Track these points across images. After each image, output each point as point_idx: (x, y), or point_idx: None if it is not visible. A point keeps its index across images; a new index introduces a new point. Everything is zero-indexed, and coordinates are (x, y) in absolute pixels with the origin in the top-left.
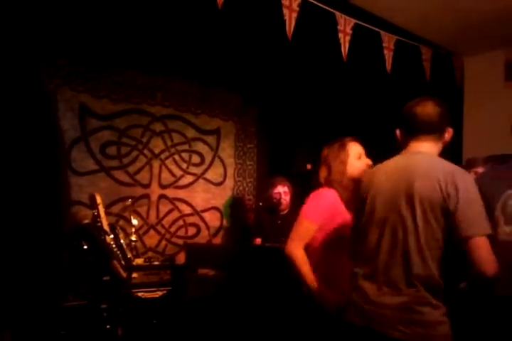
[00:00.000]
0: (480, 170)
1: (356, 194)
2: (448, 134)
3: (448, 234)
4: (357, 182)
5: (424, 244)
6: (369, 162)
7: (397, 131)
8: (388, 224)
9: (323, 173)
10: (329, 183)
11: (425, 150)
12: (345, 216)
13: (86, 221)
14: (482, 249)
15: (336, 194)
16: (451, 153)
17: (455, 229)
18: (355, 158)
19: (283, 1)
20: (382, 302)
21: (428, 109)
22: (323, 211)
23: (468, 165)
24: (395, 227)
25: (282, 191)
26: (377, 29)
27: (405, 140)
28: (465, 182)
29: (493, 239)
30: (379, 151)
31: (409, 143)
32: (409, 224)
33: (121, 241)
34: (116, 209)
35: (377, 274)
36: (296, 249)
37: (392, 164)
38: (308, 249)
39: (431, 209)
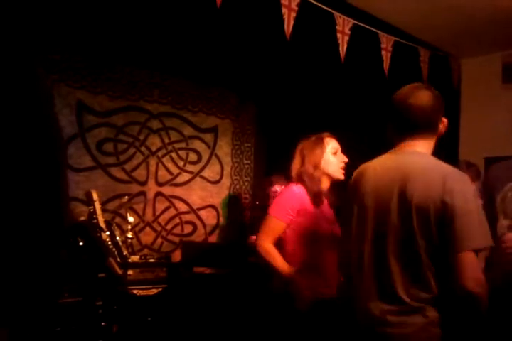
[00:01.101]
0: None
1: (345, 196)
2: (442, 125)
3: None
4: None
5: (405, 254)
6: (345, 159)
7: (388, 126)
8: (377, 232)
9: (295, 166)
10: (300, 176)
11: (419, 149)
12: (311, 210)
13: (82, 218)
14: (467, 265)
15: (303, 190)
16: (447, 155)
17: (445, 241)
18: (330, 153)
19: (282, 1)
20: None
21: (422, 101)
22: (291, 209)
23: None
24: (384, 234)
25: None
26: (375, 30)
27: (396, 135)
28: (462, 190)
29: (495, 248)
30: (378, 151)
31: (400, 139)
32: (398, 231)
33: (117, 238)
34: (112, 206)
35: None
36: (265, 243)
37: (383, 163)
38: (282, 244)
39: (422, 217)
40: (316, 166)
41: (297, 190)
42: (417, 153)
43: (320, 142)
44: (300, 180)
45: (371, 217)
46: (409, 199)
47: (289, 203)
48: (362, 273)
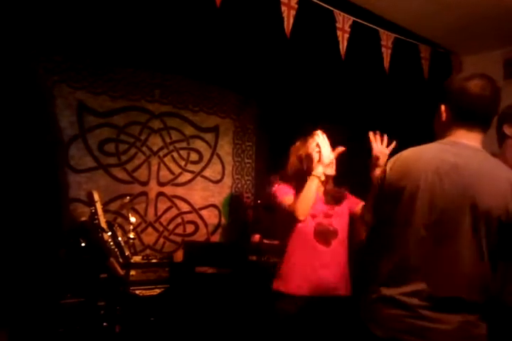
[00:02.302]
0: None
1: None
2: None
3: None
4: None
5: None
6: (331, 155)
7: (443, 108)
8: (440, 231)
9: (283, 169)
10: (285, 177)
11: (476, 145)
12: None
13: (83, 218)
14: None
15: (289, 189)
16: None
17: (506, 249)
18: (314, 150)
19: None
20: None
21: (488, 92)
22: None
23: None
24: (446, 235)
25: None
26: (375, 27)
27: (450, 122)
28: None
29: None
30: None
31: (454, 129)
32: (465, 235)
33: (119, 238)
34: (114, 206)
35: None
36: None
37: (440, 155)
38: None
39: (488, 223)
40: (298, 168)
41: (279, 186)
42: (478, 151)
43: (303, 143)
44: (286, 181)
45: (426, 212)
46: (478, 204)
47: (282, 192)
48: (406, 265)
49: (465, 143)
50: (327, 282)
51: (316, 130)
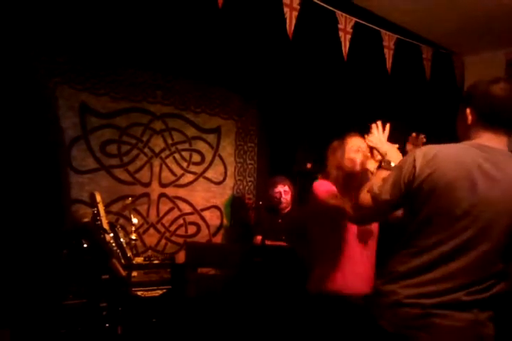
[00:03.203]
0: None
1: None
2: None
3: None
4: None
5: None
6: (368, 155)
7: (468, 111)
8: (469, 233)
9: (323, 169)
10: (325, 177)
11: (504, 148)
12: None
13: (86, 219)
14: None
15: (329, 183)
16: None
17: None
18: (352, 151)
19: (284, 0)
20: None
21: None
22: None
23: None
24: (476, 238)
25: (283, 190)
26: (377, 28)
27: (475, 126)
28: None
29: None
30: None
31: (480, 132)
32: (496, 239)
33: (121, 239)
34: (116, 207)
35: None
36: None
37: (473, 159)
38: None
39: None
40: (338, 167)
41: (326, 183)
42: (508, 155)
43: (341, 143)
44: (327, 179)
45: (458, 214)
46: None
47: (325, 191)
48: (424, 264)
49: (493, 147)
50: (365, 281)
51: (352, 132)
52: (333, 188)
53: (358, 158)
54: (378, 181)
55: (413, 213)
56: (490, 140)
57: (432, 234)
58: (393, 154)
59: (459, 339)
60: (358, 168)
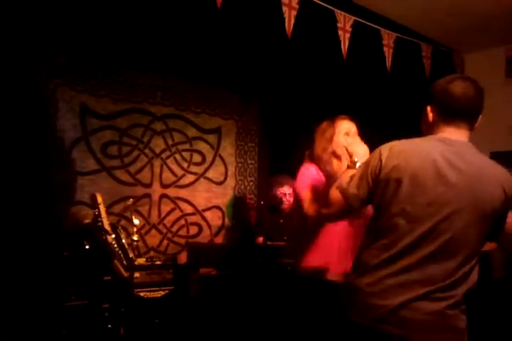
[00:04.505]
0: None
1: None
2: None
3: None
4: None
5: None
6: (358, 140)
7: (429, 109)
8: (435, 223)
9: (308, 149)
10: (311, 158)
11: (465, 140)
12: (322, 188)
13: (87, 220)
14: None
15: (316, 168)
16: None
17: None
18: (342, 134)
19: None
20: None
21: (470, 91)
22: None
23: None
24: (444, 227)
25: (288, 192)
26: (376, 26)
27: (437, 121)
28: None
29: None
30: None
31: (441, 127)
32: (465, 226)
33: (123, 240)
34: (117, 208)
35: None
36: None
37: (437, 151)
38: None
39: (486, 215)
40: (324, 149)
41: (312, 169)
42: (469, 146)
43: (331, 125)
44: (313, 161)
45: (423, 204)
46: (478, 198)
47: (309, 180)
48: (395, 256)
49: (455, 139)
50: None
51: (342, 115)
52: (315, 175)
53: (346, 143)
54: (346, 178)
55: (381, 207)
56: (452, 133)
57: (401, 225)
58: (360, 153)
59: (430, 332)
60: (343, 153)
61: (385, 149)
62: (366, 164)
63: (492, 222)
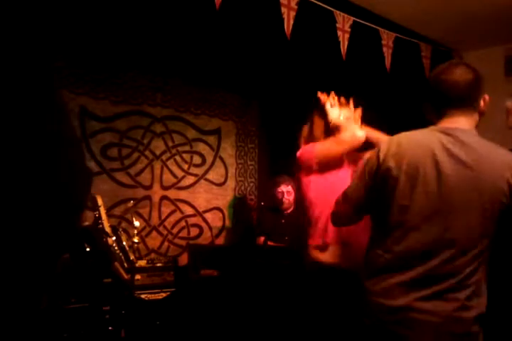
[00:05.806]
0: None
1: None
2: (484, 102)
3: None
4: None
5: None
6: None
7: (426, 105)
8: (441, 218)
9: (304, 133)
10: (310, 141)
11: (463, 127)
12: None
13: (87, 223)
14: None
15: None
16: None
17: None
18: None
19: (281, 0)
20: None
21: (455, 76)
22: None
23: None
24: (447, 221)
25: (285, 191)
26: (375, 27)
27: (434, 115)
28: None
29: None
30: None
31: (439, 119)
32: (465, 220)
33: (124, 243)
34: (118, 211)
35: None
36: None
37: (438, 142)
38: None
39: (492, 206)
40: (324, 131)
41: (305, 148)
42: (468, 132)
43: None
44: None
45: (424, 199)
46: (482, 189)
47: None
48: (402, 255)
49: (458, 128)
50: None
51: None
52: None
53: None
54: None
55: (384, 206)
56: (451, 122)
57: (406, 222)
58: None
59: (439, 333)
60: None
61: (384, 145)
62: (366, 163)
63: (498, 213)
